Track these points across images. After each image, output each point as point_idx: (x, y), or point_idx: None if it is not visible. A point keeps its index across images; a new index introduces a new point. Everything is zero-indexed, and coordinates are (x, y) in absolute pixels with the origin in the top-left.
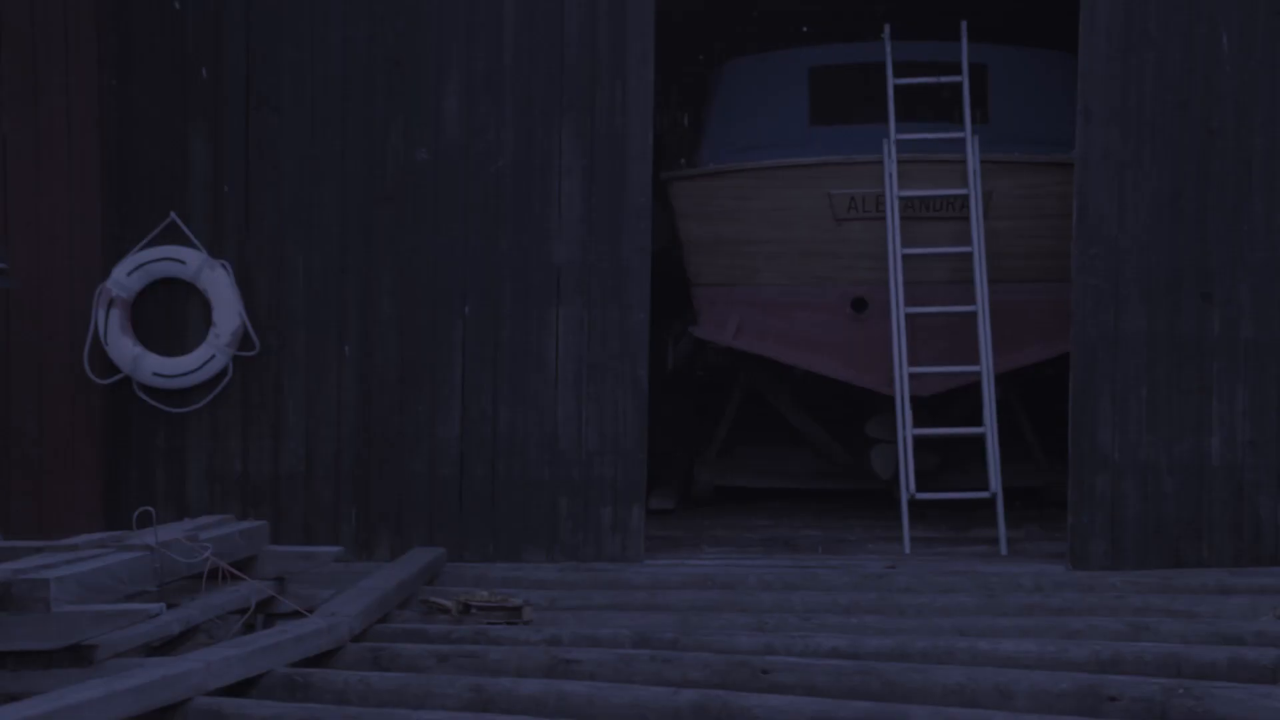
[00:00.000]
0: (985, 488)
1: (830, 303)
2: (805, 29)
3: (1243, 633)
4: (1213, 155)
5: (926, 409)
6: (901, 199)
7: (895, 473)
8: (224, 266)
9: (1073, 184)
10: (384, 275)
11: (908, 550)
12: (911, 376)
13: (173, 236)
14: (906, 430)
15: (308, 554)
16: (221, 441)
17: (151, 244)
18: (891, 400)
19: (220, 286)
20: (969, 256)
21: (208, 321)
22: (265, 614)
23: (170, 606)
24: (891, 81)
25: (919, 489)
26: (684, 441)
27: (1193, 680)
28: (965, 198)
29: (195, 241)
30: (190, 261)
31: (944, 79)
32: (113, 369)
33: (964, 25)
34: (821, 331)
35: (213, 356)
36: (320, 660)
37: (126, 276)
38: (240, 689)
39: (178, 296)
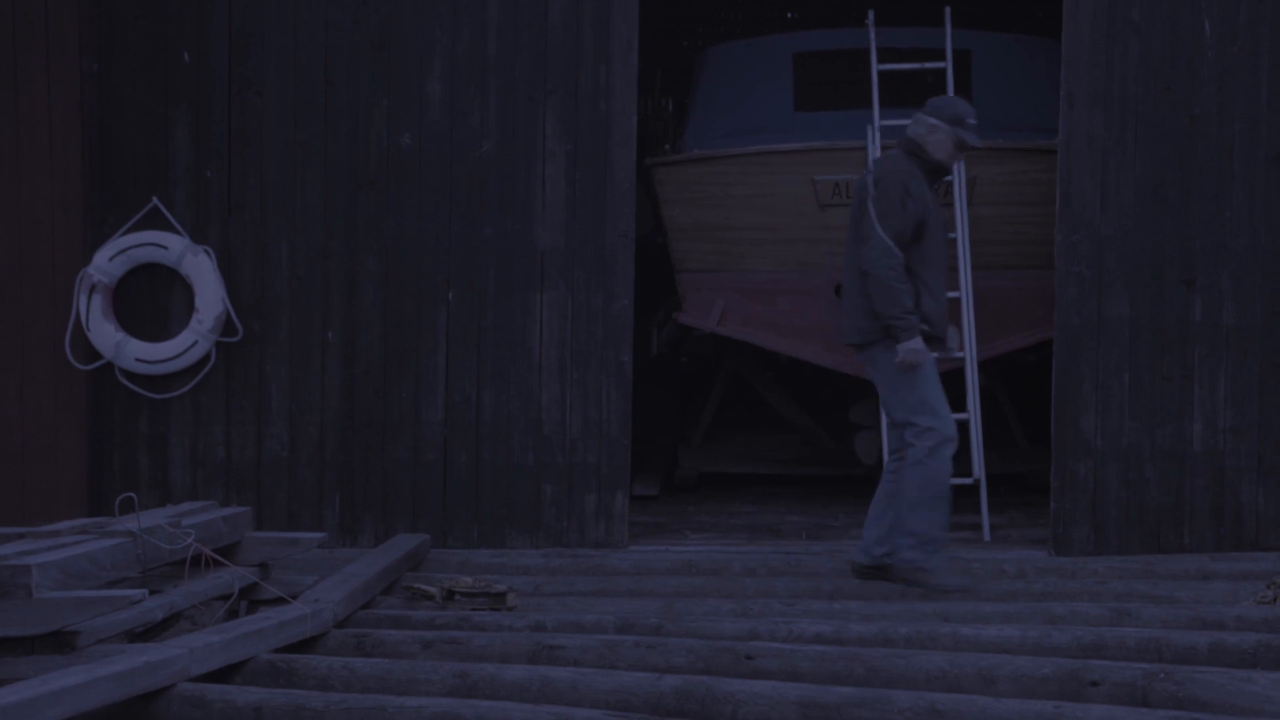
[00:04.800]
0: (968, 474)
1: (814, 288)
2: (789, 15)
3: (1224, 618)
4: (1195, 141)
5: None
6: None
7: (878, 459)
8: (206, 252)
9: (1056, 170)
10: (368, 260)
11: None
12: None
13: (155, 222)
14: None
15: (291, 540)
16: (205, 427)
17: (133, 229)
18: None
19: (203, 272)
20: (952, 243)
21: (190, 307)
22: (248, 600)
23: (153, 593)
24: (875, 67)
25: None
26: (668, 428)
27: (1174, 665)
28: (948, 184)
29: (178, 227)
30: (173, 247)
31: (928, 65)
32: (95, 355)
33: (948, 11)
34: (805, 317)
35: (195, 342)
36: (304, 646)
37: (108, 262)
38: (224, 675)
39: (160, 282)
